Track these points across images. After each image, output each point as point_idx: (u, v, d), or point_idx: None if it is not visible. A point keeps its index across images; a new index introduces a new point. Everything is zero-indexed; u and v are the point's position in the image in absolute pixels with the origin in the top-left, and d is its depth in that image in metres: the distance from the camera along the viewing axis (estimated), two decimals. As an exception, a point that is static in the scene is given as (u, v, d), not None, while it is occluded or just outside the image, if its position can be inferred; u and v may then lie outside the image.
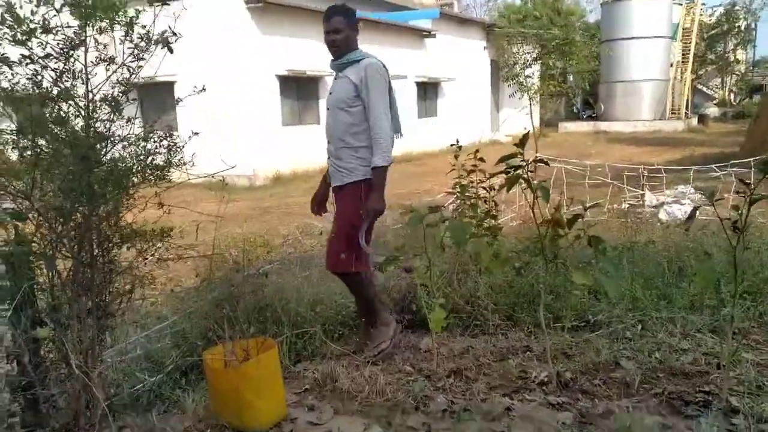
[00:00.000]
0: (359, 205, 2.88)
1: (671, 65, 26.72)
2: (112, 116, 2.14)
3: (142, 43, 2.15)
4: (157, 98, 14.38)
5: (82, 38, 2.05)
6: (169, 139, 2.29)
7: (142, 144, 2.24)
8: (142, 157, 2.21)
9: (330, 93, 3.03)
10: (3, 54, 1.98)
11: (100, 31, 2.08)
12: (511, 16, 16.86)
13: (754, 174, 5.63)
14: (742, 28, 34.80)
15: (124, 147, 2.22)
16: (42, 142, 2.11)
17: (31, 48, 2.02)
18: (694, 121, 26.94)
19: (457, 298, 3.41)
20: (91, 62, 2.13)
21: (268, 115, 14.70)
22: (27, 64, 2.03)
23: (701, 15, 29.26)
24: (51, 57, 2.04)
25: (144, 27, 2.12)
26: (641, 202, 7.31)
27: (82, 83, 2.12)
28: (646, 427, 2.12)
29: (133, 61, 2.19)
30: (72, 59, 2.07)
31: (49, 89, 2.06)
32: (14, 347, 2.19)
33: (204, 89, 2.49)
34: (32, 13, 1.96)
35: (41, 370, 2.27)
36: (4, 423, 2.17)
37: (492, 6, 40.63)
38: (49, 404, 2.27)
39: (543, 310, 2.66)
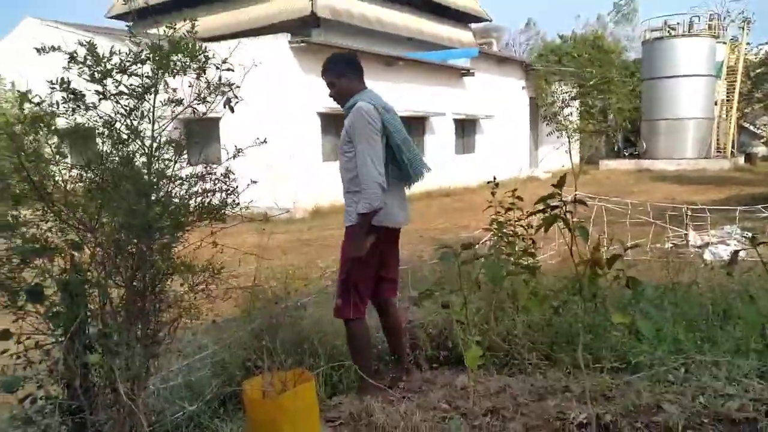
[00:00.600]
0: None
1: (716, 103, 26.25)
2: (174, 157, 2.28)
3: (208, 89, 2.28)
4: (202, 134, 14.90)
5: (155, 81, 2.19)
6: (225, 180, 2.40)
7: (200, 184, 2.35)
8: (199, 198, 2.32)
9: None
10: (79, 91, 2.11)
11: (173, 75, 2.21)
12: (549, 56, 16.98)
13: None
14: (790, 65, 34.05)
15: (181, 185, 2.34)
16: (107, 177, 2.24)
17: (106, 86, 2.16)
18: (741, 159, 26.26)
19: (494, 335, 3.39)
20: (161, 102, 2.27)
21: (309, 150, 15.08)
22: (100, 101, 2.17)
23: (746, 53, 28.80)
24: (123, 95, 2.18)
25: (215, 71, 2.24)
26: (685, 243, 7.14)
27: (149, 122, 2.26)
28: (690, 474, 2.06)
29: (198, 104, 2.33)
30: (143, 101, 2.21)
31: (119, 128, 2.20)
32: (66, 372, 2.29)
33: (265, 141, 2.61)
34: (111, 53, 2.10)
35: (90, 395, 2.36)
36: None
37: (532, 45, 40.97)
38: (95, 429, 2.35)
39: (581, 349, 2.62)
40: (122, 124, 2.11)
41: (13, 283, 2.13)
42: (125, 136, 2.09)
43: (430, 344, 3.44)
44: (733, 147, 26.88)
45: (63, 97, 2.04)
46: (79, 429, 2.34)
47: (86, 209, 2.13)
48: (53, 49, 1.97)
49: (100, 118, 2.10)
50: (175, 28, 2.12)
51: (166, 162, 2.19)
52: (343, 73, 2.99)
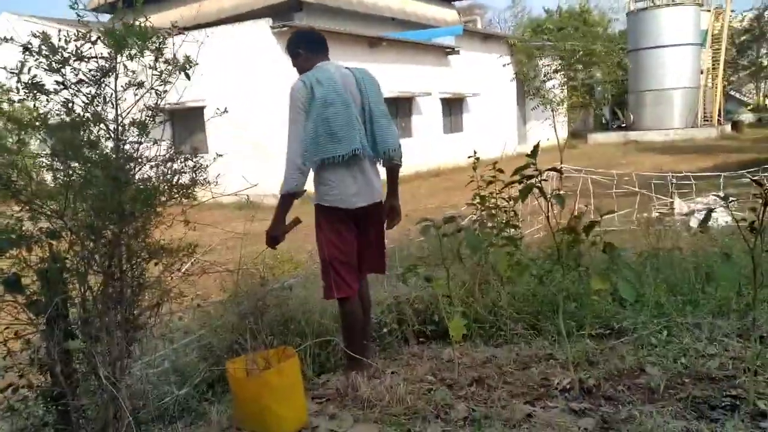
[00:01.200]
0: (319, 230, 2.90)
1: (701, 72, 26.27)
2: (140, 138, 2.25)
3: (168, 69, 2.25)
4: (188, 123, 14.80)
5: (113, 65, 2.17)
6: (194, 159, 2.39)
7: (169, 164, 2.34)
8: (168, 177, 2.31)
9: None
10: (39, 82, 2.09)
11: (131, 58, 2.19)
12: (531, 30, 16.87)
13: (788, 178, 5.51)
14: (775, 31, 34.11)
15: (152, 167, 2.33)
16: (74, 164, 2.23)
17: (65, 75, 2.13)
18: (728, 127, 26.37)
19: (480, 308, 3.41)
20: (122, 87, 2.25)
21: (295, 135, 14.98)
22: (61, 90, 2.15)
23: (731, 21, 28.76)
24: (83, 83, 2.16)
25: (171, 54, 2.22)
26: (671, 211, 7.18)
27: (113, 107, 2.24)
28: (670, 431, 2.09)
29: (160, 86, 2.31)
30: (103, 85, 2.19)
31: (81, 114, 2.18)
32: (47, 359, 2.29)
33: (226, 111, 2.58)
34: (66, 42, 2.08)
35: (72, 381, 2.36)
36: (38, 432, 2.27)
37: (519, 21, 40.72)
38: (79, 414, 2.35)
39: (562, 317, 2.64)
40: (84, 110, 2.08)
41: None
42: (86, 120, 2.07)
43: (417, 319, 3.45)
44: (719, 115, 26.97)
45: (23, 86, 2.01)
46: (62, 415, 2.34)
47: (54, 196, 2.11)
48: (5, 40, 1.95)
49: (62, 105, 2.07)
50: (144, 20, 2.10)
51: (133, 145, 2.16)
52: (297, 50, 2.93)
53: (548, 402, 2.48)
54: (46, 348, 2.29)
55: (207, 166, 2.36)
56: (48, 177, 2.23)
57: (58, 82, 2.13)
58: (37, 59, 2.07)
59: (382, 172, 2.98)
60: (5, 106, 2.20)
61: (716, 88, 26.85)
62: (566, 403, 2.44)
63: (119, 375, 2.33)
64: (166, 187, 2.17)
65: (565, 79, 13.77)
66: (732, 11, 28.63)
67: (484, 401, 2.53)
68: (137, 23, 2.05)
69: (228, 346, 3.22)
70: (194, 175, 2.22)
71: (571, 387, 2.56)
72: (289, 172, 2.75)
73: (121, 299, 2.36)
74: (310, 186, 2.92)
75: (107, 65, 2.08)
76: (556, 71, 13.52)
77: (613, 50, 14.19)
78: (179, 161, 2.22)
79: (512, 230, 3.70)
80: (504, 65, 17.44)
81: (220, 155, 2.47)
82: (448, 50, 20.47)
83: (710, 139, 23.48)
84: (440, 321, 3.36)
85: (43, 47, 2.07)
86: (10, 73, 2.02)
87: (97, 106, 2.15)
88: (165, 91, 2.29)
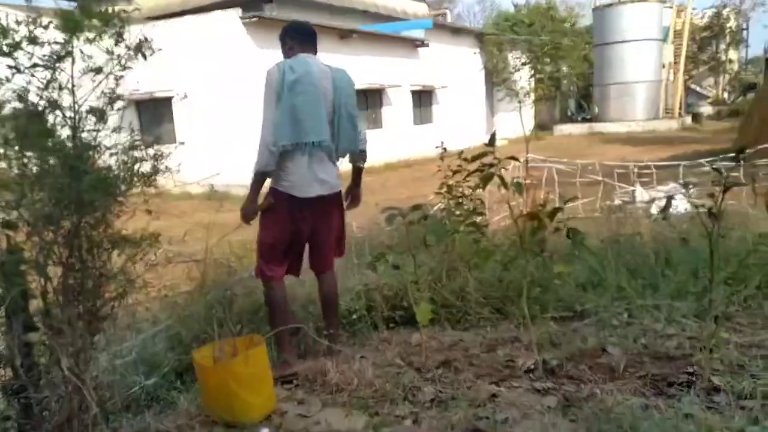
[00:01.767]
0: (264, 211, 2.94)
1: (663, 66, 26.93)
2: (97, 126, 2.20)
3: (128, 53, 2.21)
4: (156, 113, 14.51)
5: (69, 49, 2.12)
6: (155, 148, 2.35)
7: (130, 153, 2.30)
8: (129, 165, 2.27)
9: None
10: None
11: (89, 42, 2.14)
12: (501, 24, 17.04)
13: (745, 166, 5.70)
14: (733, 28, 35.13)
15: (112, 156, 2.28)
16: (30, 153, 2.17)
17: (17, 59, 2.08)
18: (688, 119, 27.11)
19: (447, 293, 3.46)
20: (80, 72, 2.20)
21: (263, 127, 14.84)
22: (13, 75, 2.09)
23: (692, 18, 29.52)
24: (37, 67, 2.10)
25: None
26: (633, 199, 7.37)
27: (69, 94, 2.19)
28: (628, 407, 2.16)
29: (120, 71, 2.26)
30: (58, 70, 2.13)
31: (36, 102, 2.12)
32: (7, 352, 2.24)
33: (186, 96, 2.56)
34: (17, 23, 2.02)
35: (34, 374, 2.31)
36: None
37: (488, 15, 40.99)
38: (41, 407, 2.31)
39: (525, 301, 2.71)
40: (36, 95, 2.04)
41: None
42: (41, 107, 2.02)
43: (386, 305, 3.48)
44: (680, 108, 27.69)
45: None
46: (25, 409, 2.30)
47: (9, 186, 2.06)
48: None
49: (14, 92, 2.02)
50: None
51: (91, 133, 2.12)
52: (285, 40, 2.98)
53: (513, 382, 2.54)
54: (6, 341, 2.25)
55: (169, 153, 2.33)
56: (2, 164, 2.17)
57: (10, 67, 2.07)
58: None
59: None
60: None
61: (677, 81, 27.56)
62: (530, 383, 2.50)
63: (83, 366, 2.29)
64: (126, 176, 2.14)
65: (533, 72, 13.95)
66: (693, 8, 29.41)
67: (450, 383, 2.57)
68: (95, 6, 2.00)
69: (196, 335, 3.20)
70: (156, 164, 2.18)
71: (535, 368, 2.62)
72: (261, 151, 2.79)
73: (83, 290, 2.32)
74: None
75: (62, 50, 2.03)
76: (524, 64, 13.70)
77: (579, 45, 14.43)
78: (140, 149, 2.19)
79: (478, 218, 3.75)
80: (474, 53, 17.53)
81: (182, 143, 2.44)
82: (417, 43, 20.53)
83: (671, 130, 24.08)
84: (409, 307, 3.39)
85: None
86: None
87: (53, 92, 2.10)
88: (121, 77, 2.24)
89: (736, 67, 38.22)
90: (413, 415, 2.31)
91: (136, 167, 2.16)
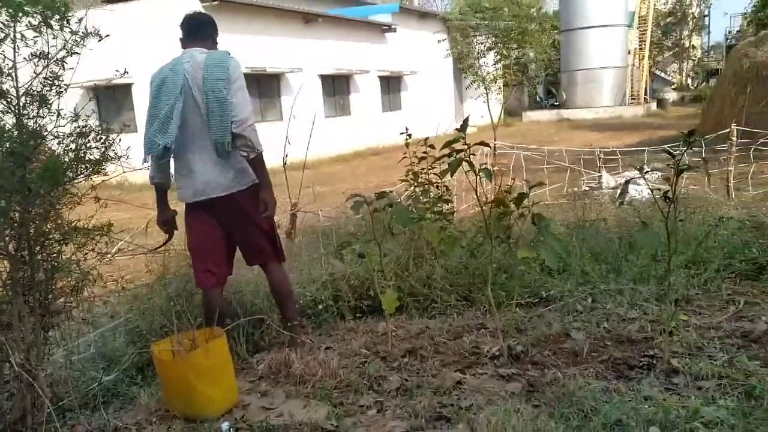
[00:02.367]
0: None
1: (629, 52, 27.31)
2: (39, 112, 2.10)
3: (74, 39, 2.11)
4: (115, 100, 14.10)
5: (8, 33, 2.01)
6: (104, 134, 2.26)
7: (78, 139, 2.20)
8: (75, 152, 2.17)
9: None
10: None
11: (34, 28, 2.03)
12: (464, 8, 16.97)
13: (706, 151, 5.81)
14: (696, 14, 35.83)
15: (59, 143, 2.18)
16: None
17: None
18: (653, 105, 27.60)
19: (414, 281, 3.44)
20: (24, 59, 2.09)
21: (230, 114, 14.57)
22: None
23: (656, 3, 29.95)
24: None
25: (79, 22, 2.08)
26: (599, 185, 7.47)
27: (12, 79, 2.08)
28: (590, 391, 2.18)
29: (66, 56, 2.16)
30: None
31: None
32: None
33: (126, 72, 2.48)
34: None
35: (-18, 371, 2.22)
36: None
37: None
38: (-7, 405, 2.22)
39: (490, 288, 2.71)
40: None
41: None
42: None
43: (353, 295, 3.45)
44: (646, 94, 28.17)
45: None
46: (-25, 408, 2.21)
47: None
48: None
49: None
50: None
51: (35, 119, 2.02)
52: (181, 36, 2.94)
53: (478, 369, 2.54)
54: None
55: (120, 140, 2.24)
56: None
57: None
58: None
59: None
60: None
61: (643, 67, 28.01)
62: (495, 370, 2.51)
63: (35, 362, 2.21)
64: (73, 163, 2.04)
65: (499, 57, 13.95)
66: (658, -6, 29.85)
67: (416, 371, 2.56)
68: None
69: (157, 329, 3.12)
70: (105, 150, 2.09)
71: (500, 354, 2.63)
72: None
73: (32, 283, 2.23)
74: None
75: (1, 33, 1.93)
76: (489, 49, 13.69)
77: (546, 29, 14.47)
78: (91, 136, 2.09)
79: (445, 205, 3.74)
80: (439, 41, 17.49)
81: (128, 125, 2.35)
82: (384, 27, 20.36)
83: (637, 116, 24.50)
84: (376, 296, 3.37)
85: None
86: None
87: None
88: (63, 60, 2.13)
89: (699, 53, 39.08)
90: (378, 405, 2.30)
91: (84, 154, 2.07)
